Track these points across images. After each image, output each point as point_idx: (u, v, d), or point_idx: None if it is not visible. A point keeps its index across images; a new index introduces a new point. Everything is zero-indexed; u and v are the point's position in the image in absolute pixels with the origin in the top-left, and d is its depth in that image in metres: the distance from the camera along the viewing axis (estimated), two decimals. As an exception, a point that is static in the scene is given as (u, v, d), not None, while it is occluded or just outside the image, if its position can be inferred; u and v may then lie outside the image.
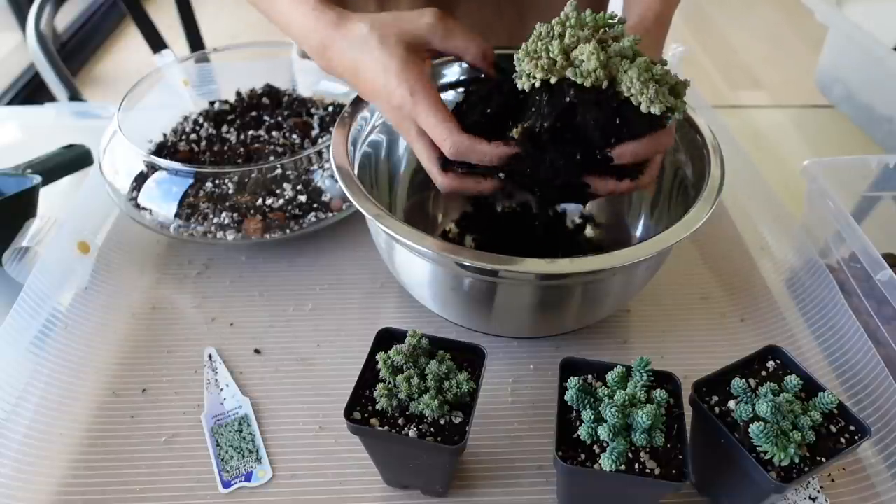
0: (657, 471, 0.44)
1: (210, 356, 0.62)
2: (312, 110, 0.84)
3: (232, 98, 0.86)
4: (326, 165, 0.72)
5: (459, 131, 0.50)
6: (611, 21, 0.51)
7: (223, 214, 0.68)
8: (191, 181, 0.69)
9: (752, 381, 0.49)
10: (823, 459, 0.45)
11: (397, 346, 0.48)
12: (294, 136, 0.79)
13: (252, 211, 0.69)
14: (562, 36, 0.50)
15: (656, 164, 0.55)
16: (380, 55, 0.52)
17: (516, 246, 0.68)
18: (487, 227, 0.73)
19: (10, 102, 2.00)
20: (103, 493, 0.52)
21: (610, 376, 0.47)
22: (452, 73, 0.67)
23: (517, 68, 0.51)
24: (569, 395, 0.47)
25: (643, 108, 0.48)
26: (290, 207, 0.70)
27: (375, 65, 0.52)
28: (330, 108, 0.84)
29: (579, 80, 0.49)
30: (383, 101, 0.53)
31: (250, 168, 0.70)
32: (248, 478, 0.53)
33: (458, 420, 0.47)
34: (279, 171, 0.70)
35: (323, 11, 0.55)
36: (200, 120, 0.82)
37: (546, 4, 0.83)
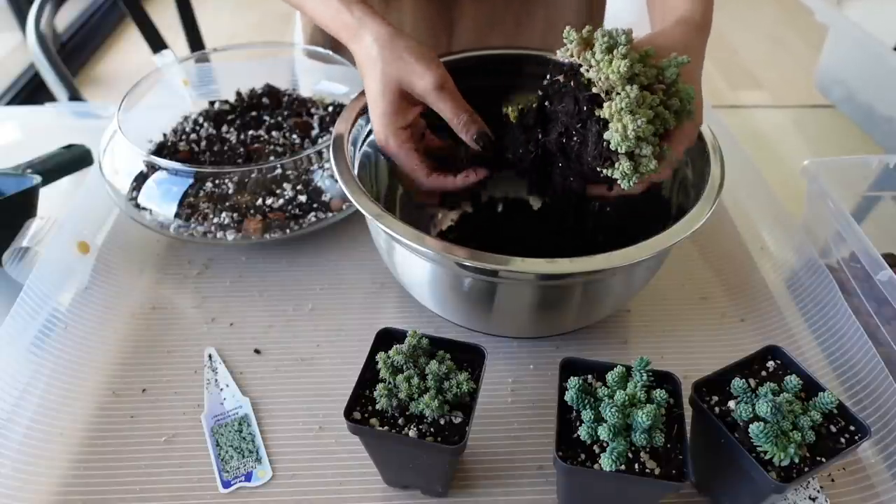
0: (657, 471, 0.44)
1: (210, 356, 0.62)
2: (312, 110, 0.84)
3: (232, 98, 0.86)
4: (326, 165, 0.72)
5: (426, 176, 0.59)
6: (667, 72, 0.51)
7: (223, 214, 0.68)
8: (191, 181, 0.69)
9: (752, 381, 0.49)
10: (823, 459, 0.45)
11: (397, 346, 0.48)
12: (294, 136, 0.79)
13: (252, 211, 0.69)
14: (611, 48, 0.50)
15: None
16: (376, 87, 0.57)
17: (516, 245, 0.68)
18: (487, 228, 0.73)
19: (10, 102, 2.00)
20: (103, 493, 0.52)
21: (610, 376, 0.47)
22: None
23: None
24: (569, 395, 0.47)
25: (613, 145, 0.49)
26: (290, 207, 0.70)
27: (373, 88, 0.57)
28: (330, 108, 0.84)
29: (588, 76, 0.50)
30: (372, 118, 0.59)
31: (250, 168, 0.70)
32: (248, 478, 0.53)
33: (458, 420, 0.47)
34: (279, 171, 0.70)
35: (343, 12, 0.58)
36: (200, 120, 0.82)
37: None
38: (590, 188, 0.57)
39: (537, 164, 0.58)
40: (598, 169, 0.51)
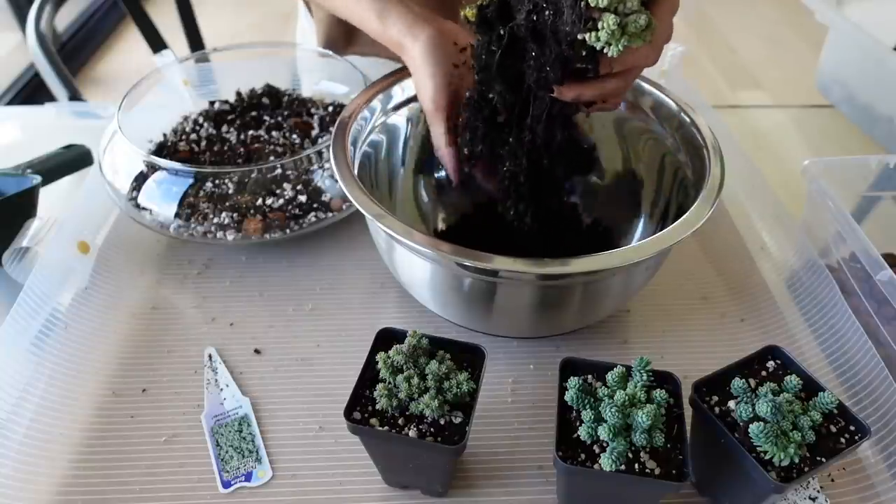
0: (657, 471, 0.44)
1: (210, 356, 0.62)
2: (312, 110, 0.84)
3: (232, 98, 0.86)
4: (326, 165, 0.72)
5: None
6: None
7: (223, 214, 0.68)
8: (191, 181, 0.69)
9: (752, 381, 0.49)
10: (823, 459, 0.45)
11: (397, 346, 0.48)
12: (294, 136, 0.79)
13: (252, 211, 0.69)
14: None
15: (632, 74, 0.52)
16: (424, 80, 0.59)
17: (516, 245, 0.68)
18: (487, 228, 0.72)
19: (10, 102, 2.00)
20: (103, 493, 0.52)
21: (610, 376, 0.47)
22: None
23: None
24: (569, 395, 0.47)
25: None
26: (290, 207, 0.70)
27: (420, 90, 0.61)
28: (330, 108, 0.84)
29: None
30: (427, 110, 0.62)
31: (250, 168, 0.70)
32: (248, 478, 0.53)
33: (458, 420, 0.47)
34: (279, 171, 0.70)
35: (386, 32, 0.61)
36: (200, 120, 0.82)
37: None
38: (565, 89, 0.51)
39: (506, 71, 0.52)
40: (581, 37, 0.45)
